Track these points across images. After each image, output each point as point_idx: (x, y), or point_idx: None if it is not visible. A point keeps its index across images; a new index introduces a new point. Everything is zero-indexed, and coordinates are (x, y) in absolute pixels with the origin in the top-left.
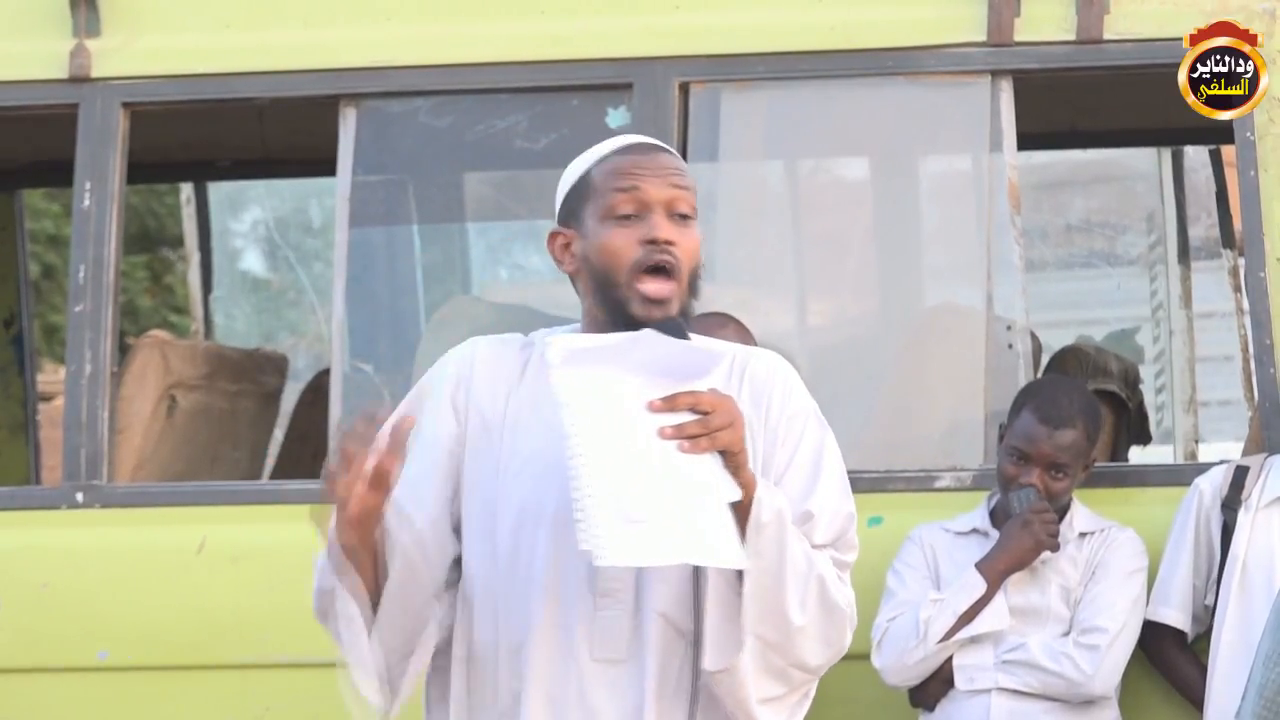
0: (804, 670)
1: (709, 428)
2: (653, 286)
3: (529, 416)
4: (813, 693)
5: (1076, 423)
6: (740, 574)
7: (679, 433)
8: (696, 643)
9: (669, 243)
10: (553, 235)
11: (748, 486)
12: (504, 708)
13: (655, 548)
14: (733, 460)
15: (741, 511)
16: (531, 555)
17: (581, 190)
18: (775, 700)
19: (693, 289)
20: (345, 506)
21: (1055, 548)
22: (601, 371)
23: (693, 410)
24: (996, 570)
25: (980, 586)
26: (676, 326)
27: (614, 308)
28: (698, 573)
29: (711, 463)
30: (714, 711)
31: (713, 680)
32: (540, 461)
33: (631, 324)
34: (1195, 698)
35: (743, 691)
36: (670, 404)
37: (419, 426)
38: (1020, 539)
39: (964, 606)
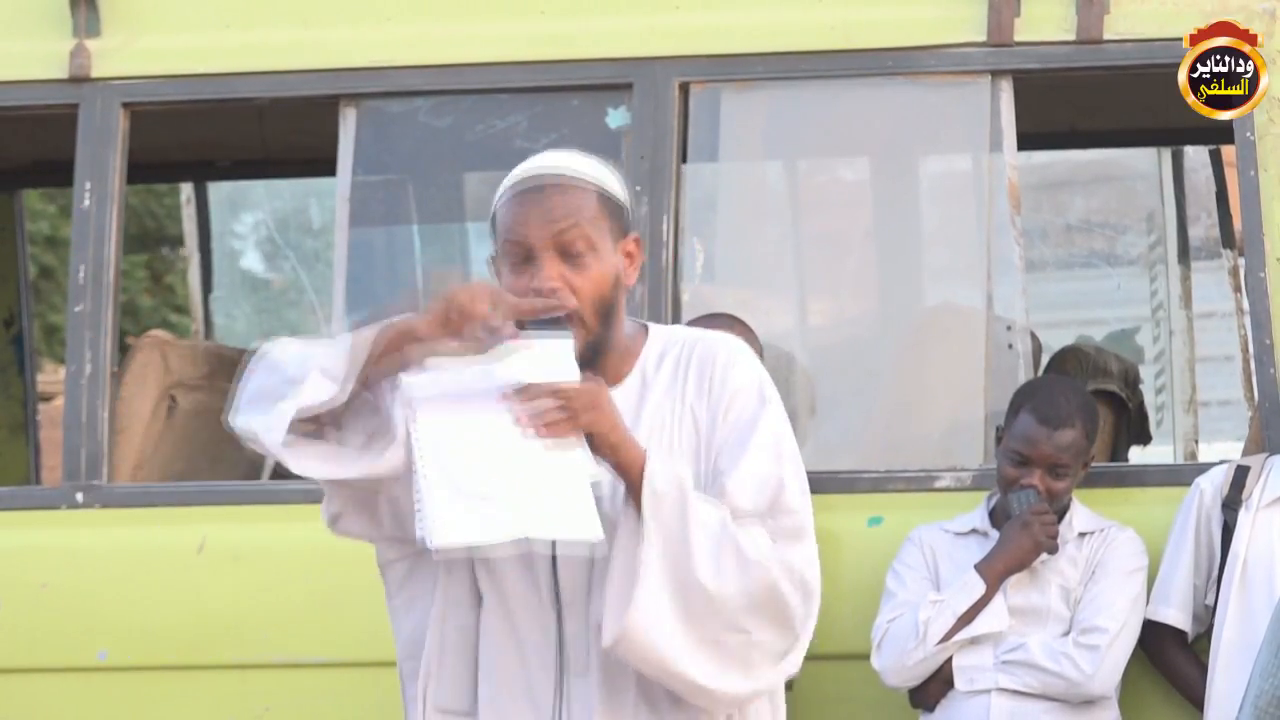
0: (743, 634)
1: (570, 411)
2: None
3: None
4: (790, 668)
5: (1075, 422)
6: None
7: (536, 419)
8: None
9: (553, 289)
10: (491, 259)
11: (633, 462)
12: (468, 701)
13: (495, 525)
14: (602, 441)
15: (634, 484)
16: (496, 564)
17: (493, 225)
18: (724, 674)
19: (602, 318)
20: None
21: (1054, 549)
22: (460, 386)
23: (553, 397)
24: (996, 572)
25: (980, 588)
26: (555, 321)
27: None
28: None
29: (576, 446)
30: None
31: (622, 656)
32: None
33: None
34: (1195, 697)
35: (662, 659)
36: (528, 394)
37: None
38: (1020, 540)
39: (963, 608)
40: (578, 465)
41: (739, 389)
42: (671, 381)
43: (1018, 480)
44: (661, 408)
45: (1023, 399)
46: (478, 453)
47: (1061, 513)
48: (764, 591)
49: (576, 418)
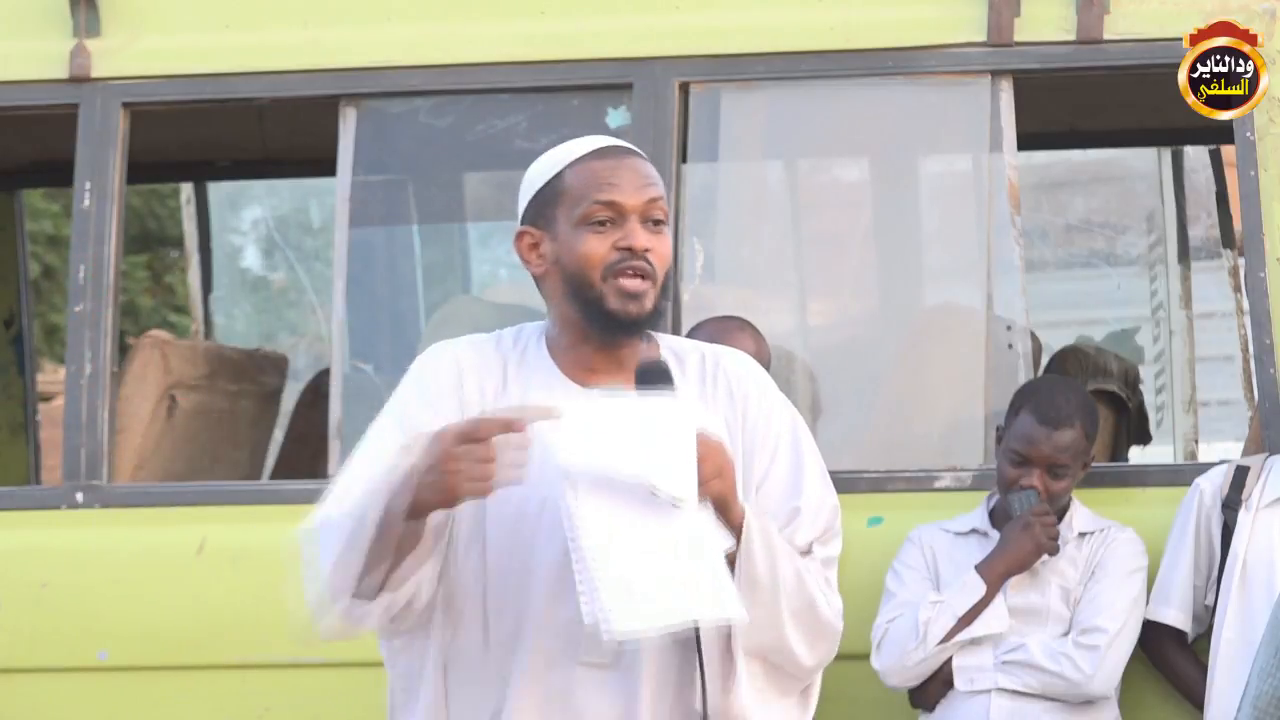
0: (800, 676)
1: (701, 479)
2: (629, 282)
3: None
4: (817, 683)
5: (1075, 422)
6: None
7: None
8: (700, 666)
9: (646, 250)
10: (520, 234)
11: (736, 523)
12: (490, 711)
13: (660, 612)
14: (722, 504)
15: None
16: (525, 559)
17: (553, 192)
18: (778, 705)
19: (664, 291)
20: (464, 483)
21: (1055, 550)
22: (596, 445)
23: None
24: (996, 572)
25: (980, 588)
26: (662, 371)
27: (588, 306)
28: None
29: (706, 514)
30: None
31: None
32: (531, 466)
33: (608, 319)
34: (1195, 698)
35: (745, 708)
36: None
37: (415, 427)
38: (1020, 542)
39: (964, 608)
40: (713, 537)
41: (773, 409)
42: (700, 388)
43: (1017, 480)
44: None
45: (1023, 399)
46: (631, 531)
47: (1061, 513)
48: (827, 646)
49: (708, 486)
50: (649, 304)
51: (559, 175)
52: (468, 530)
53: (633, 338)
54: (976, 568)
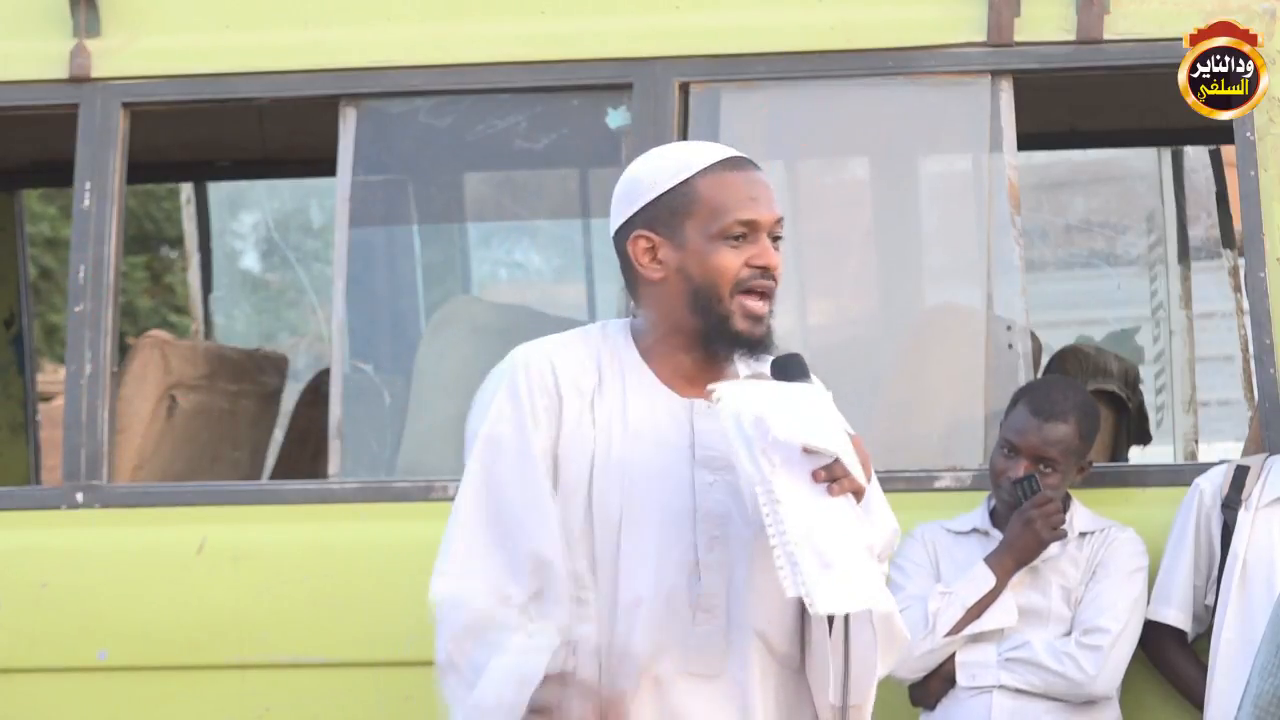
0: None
1: (847, 470)
2: (755, 304)
3: (617, 423)
4: None
5: (1069, 418)
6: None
7: (829, 475)
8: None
9: (776, 269)
10: (637, 237)
11: None
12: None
13: (851, 594)
14: (860, 499)
15: None
16: (632, 565)
17: (682, 199)
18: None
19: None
20: None
21: (1062, 535)
22: (792, 420)
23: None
24: (1005, 566)
25: (989, 580)
26: (800, 363)
27: (712, 319)
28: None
29: (849, 504)
30: None
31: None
32: (635, 468)
33: (733, 337)
34: (1196, 698)
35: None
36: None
37: (511, 443)
38: (1024, 537)
39: (973, 599)
40: (861, 528)
41: (844, 426)
42: None
43: (1004, 472)
44: None
45: (1021, 394)
46: (814, 513)
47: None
48: (898, 656)
49: (852, 478)
50: (769, 325)
51: (688, 183)
52: (571, 534)
53: (753, 356)
54: (986, 559)
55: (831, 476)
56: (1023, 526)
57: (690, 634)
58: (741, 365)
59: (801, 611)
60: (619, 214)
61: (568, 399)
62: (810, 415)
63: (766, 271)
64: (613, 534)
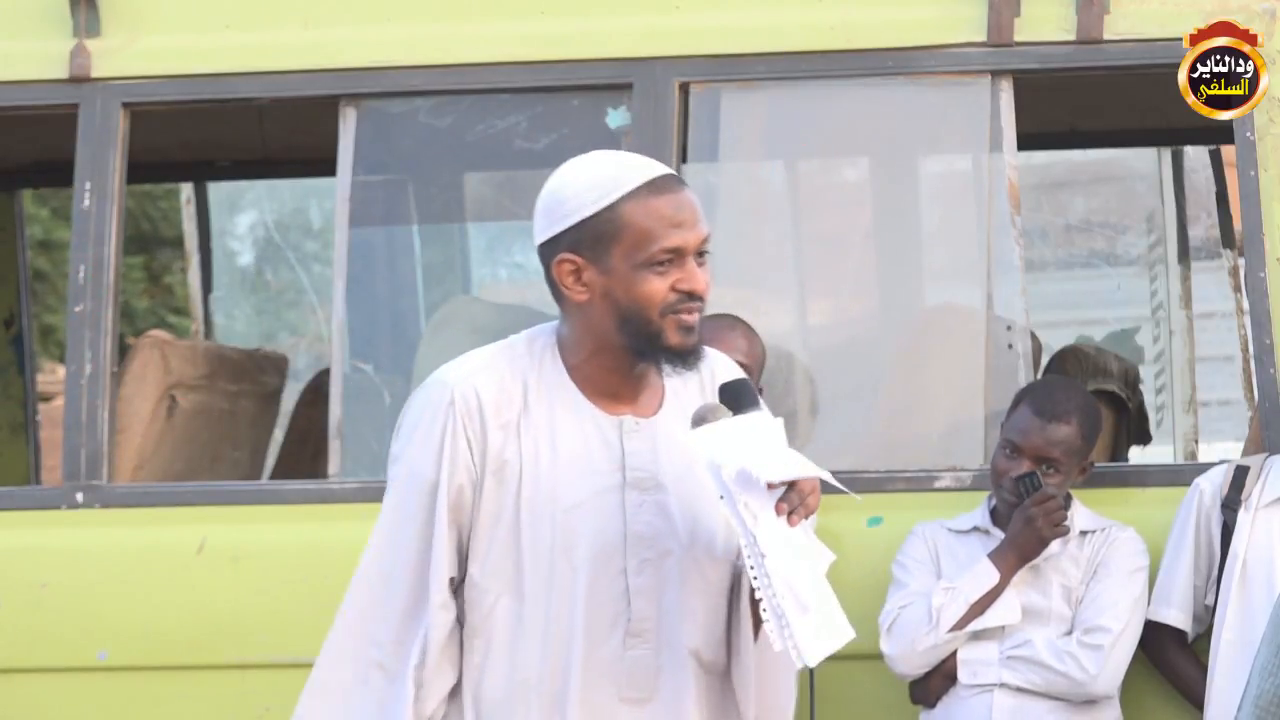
0: None
1: (803, 496)
2: (688, 317)
3: (545, 450)
4: None
5: (1071, 419)
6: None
7: (789, 507)
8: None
9: (703, 292)
10: (560, 261)
11: None
12: None
13: (831, 633)
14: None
15: None
16: (564, 595)
17: (607, 225)
18: None
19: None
20: None
21: (1065, 533)
22: (746, 467)
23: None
24: (1009, 562)
25: (993, 575)
26: (749, 389)
27: (643, 339)
28: (730, 611)
29: (807, 528)
30: None
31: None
32: (565, 498)
33: (668, 352)
34: (1196, 698)
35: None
36: (794, 486)
37: (425, 478)
38: (1026, 534)
39: (976, 595)
40: (819, 551)
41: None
42: (701, 397)
43: (1007, 472)
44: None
45: (1024, 394)
46: (788, 556)
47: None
48: None
49: (807, 503)
50: (699, 333)
51: (613, 209)
52: (497, 566)
53: (690, 368)
54: (989, 555)
55: (791, 508)
56: (1024, 524)
57: (621, 659)
58: (669, 378)
59: (729, 621)
60: (542, 230)
61: (491, 432)
62: (775, 447)
63: (693, 295)
64: (544, 564)
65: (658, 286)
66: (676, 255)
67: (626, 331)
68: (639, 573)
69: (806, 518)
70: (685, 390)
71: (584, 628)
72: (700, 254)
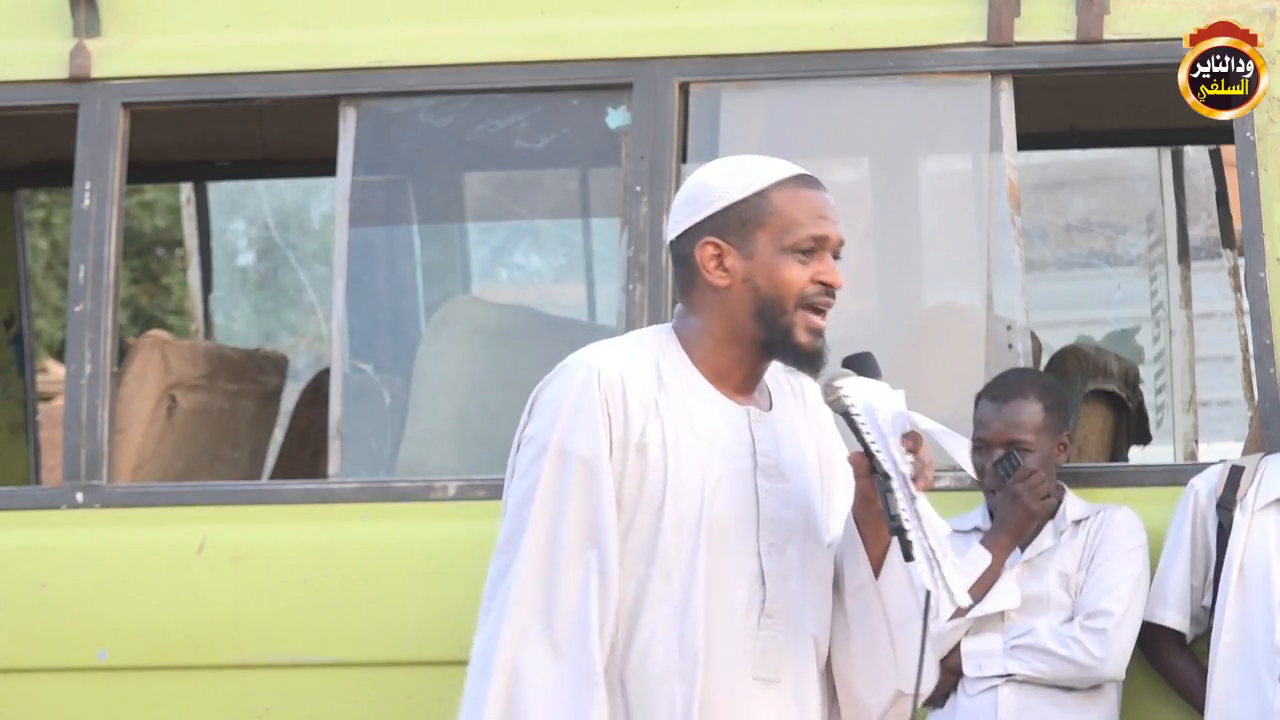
0: None
1: (924, 464)
2: (817, 318)
3: (686, 431)
4: None
5: (1028, 395)
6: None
7: (920, 469)
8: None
9: (839, 288)
10: (705, 243)
11: None
12: None
13: (965, 583)
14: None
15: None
16: (702, 574)
17: (755, 209)
18: None
19: None
20: None
21: (1051, 508)
22: (901, 410)
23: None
24: (1000, 544)
25: (985, 558)
26: (873, 361)
27: (775, 330)
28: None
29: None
30: None
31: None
32: (709, 474)
33: (795, 350)
34: (1195, 699)
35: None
36: (913, 443)
37: (579, 456)
38: (1014, 511)
39: (970, 580)
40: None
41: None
42: (795, 404)
43: (981, 467)
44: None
45: (980, 393)
46: (925, 507)
47: (1053, 510)
48: None
49: (928, 474)
50: (825, 340)
51: (763, 194)
52: (636, 547)
53: (813, 371)
54: (980, 541)
55: (916, 472)
56: (1011, 501)
57: (756, 639)
58: (778, 377)
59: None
60: (684, 218)
61: (634, 410)
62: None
63: (830, 289)
64: (690, 540)
65: (799, 274)
66: (819, 246)
67: (761, 320)
68: (769, 556)
69: (926, 490)
70: (786, 398)
71: (723, 607)
72: (836, 255)
